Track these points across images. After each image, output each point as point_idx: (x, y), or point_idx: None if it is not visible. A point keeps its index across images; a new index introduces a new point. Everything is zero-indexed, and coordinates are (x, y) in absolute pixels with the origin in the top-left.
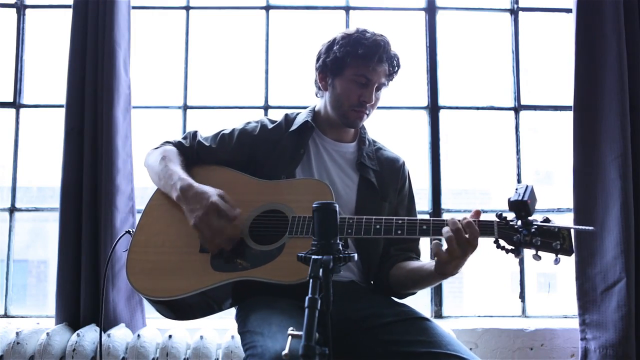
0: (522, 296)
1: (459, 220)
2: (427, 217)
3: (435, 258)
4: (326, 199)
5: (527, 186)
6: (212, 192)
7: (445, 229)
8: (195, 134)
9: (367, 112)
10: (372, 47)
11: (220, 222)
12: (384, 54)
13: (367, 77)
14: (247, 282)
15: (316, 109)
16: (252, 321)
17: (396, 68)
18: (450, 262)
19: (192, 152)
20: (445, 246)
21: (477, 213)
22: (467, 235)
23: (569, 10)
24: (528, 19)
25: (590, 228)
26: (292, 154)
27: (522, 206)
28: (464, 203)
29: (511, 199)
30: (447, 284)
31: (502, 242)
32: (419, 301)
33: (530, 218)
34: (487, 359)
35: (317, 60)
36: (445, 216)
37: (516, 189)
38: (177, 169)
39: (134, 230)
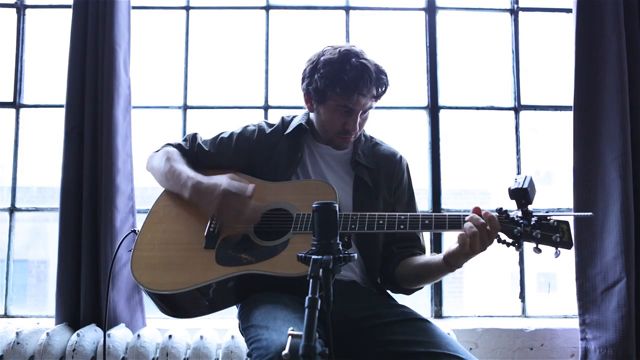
0: (522, 296)
1: (480, 216)
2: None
3: (456, 248)
4: (329, 198)
5: (526, 176)
6: (222, 180)
7: (468, 225)
8: (195, 136)
9: (354, 136)
10: (350, 85)
11: (237, 202)
12: (364, 87)
13: (349, 108)
14: (251, 276)
15: (310, 116)
16: (256, 316)
17: (383, 88)
18: (468, 256)
19: (191, 155)
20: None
21: (477, 210)
22: (488, 228)
23: (569, 10)
24: (528, 19)
25: (589, 214)
26: (290, 157)
27: (523, 194)
28: (464, 203)
29: (511, 188)
30: (447, 284)
31: (502, 236)
32: (419, 301)
33: (530, 208)
34: (487, 359)
35: (302, 81)
36: None
37: (515, 179)
38: (184, 167)
39: (138, 230)
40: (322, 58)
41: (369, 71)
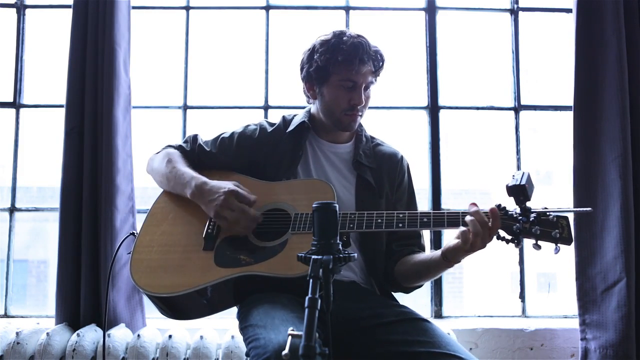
0: (522, 296)
1: (484, 214)
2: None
3: (456, 243)
4: (327, 197)
5: (523, 172)
6: (229, 183)
7: (473, 222)
8: (195, 137)
9: (360, 113)
10: (351, 52)
11: (241, 205)
12: (364, 54)
13: (352, 80)
14: (250, 277)
15: (311, 111)
16: (255, 315)
17: (380, 63)
18: (468, 252)
19: (193, 156)
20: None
21: (474, 206)
22: (490, 226)
23: (569, 10)
24: (528, 19)
25: (588, 209)
26: (291, 156)
27: (521, 190)
28: (464, 203)
29: (509, 185)
30: (447, 284)
31: (502, 233)
32: (419, 301)
33: (528, 204)
34: (487, 359)
35: (301, 70)
36: None
37: (513, 176)
38: (186, 169)
39: (137, 232)
40: (317, 42)
41: (365, 40)
